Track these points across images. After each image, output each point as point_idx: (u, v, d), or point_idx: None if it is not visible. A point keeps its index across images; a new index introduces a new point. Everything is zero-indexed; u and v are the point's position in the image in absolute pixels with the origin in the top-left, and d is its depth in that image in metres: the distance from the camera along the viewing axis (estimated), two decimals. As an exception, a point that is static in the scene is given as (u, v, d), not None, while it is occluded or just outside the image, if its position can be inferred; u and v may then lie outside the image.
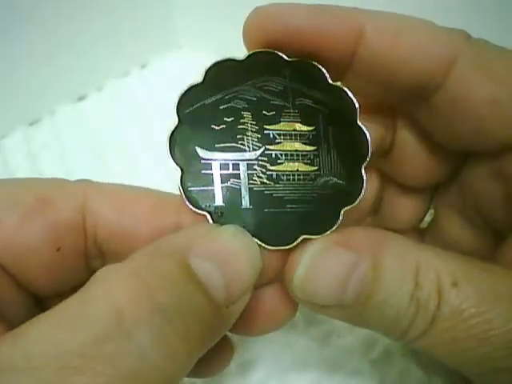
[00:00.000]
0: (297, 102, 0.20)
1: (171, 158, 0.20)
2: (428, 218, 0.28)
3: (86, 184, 0.21)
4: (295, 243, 0.20)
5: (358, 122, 0.21)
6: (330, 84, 0.21)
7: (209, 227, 0.20)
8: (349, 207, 0.21)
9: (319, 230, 0.20)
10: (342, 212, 0.21)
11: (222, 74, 0.20)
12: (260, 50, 0.20)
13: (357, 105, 0.21)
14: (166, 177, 0.40)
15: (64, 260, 0.20)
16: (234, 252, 0.19)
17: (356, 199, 0.21)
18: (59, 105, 0.46)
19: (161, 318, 0.16)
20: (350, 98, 0.21)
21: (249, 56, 0.20)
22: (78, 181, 0.22)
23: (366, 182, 0.21)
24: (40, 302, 0.22)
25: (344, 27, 0.19)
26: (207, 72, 0.20)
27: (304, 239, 0.20)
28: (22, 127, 0.44)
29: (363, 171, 0.21)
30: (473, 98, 0.19)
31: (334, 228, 0.21)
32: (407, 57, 0.19)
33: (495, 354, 0.17)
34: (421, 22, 0.20)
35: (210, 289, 0.17)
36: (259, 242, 0.20)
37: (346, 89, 0.21)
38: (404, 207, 0.27)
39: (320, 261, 0.20)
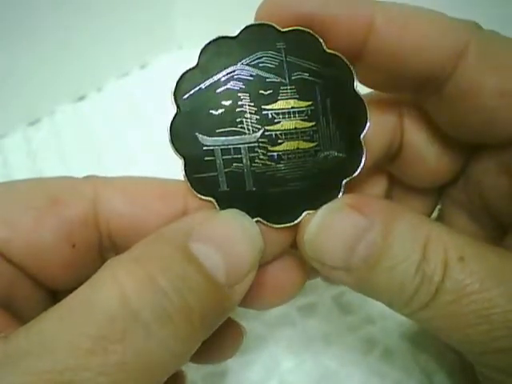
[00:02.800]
0: (293, 77, 0.20)
1: (173, 148, 0.20)
2: (434, 214, 0.28)
3: (94, 180, 0.22)
4: (299, 219, 0.21)
5: (355, 89, 0.21)
6: (326, 52, 0.20)
7: (208, 213, 0.20)
8: (349, 178, 0.21)
9: (322, 204, 0.21)
10: (343, 184, 0.21)
11: (215, 54, 0.20)
12: (253, 23, 0.20)
13: (353, 71, 0.21)
14: (166, 176, 0.40)
15: (79, 256, 0.21)
16: (233, 234, 0.19)
17: (356, 170, 0.21)
18: (59, 105, 0.46)
19: (162, 299, 0.16)
20: (346, 65, 0.21)
21: (241, 31, 0.20)
22: (86, 177, 0.22)
23: (366, 151, 0.21)
24: (57, 297, 0.22)
25: (355, 16, 0.20)
26: (201, 54, 0.20)
27: (307, 214, 0.21)
28: (22, 127, 0.45)
29: (362, 141, 0.21)
30: (483, 90, 0.19)
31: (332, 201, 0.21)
32: (417, 47, 0.20)
33: (495, 333, 0.17)
34: (431, 12, 0.20)
35: (210, 270, 0.18)
36: (265, 222, 0.21)
37: (341, 56, 0.20)
38: (412, 207, 0.27)
39: (332, 220, 0.20)
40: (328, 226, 0.20)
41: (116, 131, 0.45)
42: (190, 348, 0.18)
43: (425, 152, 0.24)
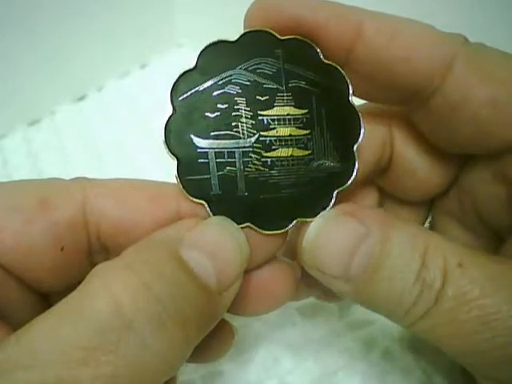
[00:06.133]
0: (290, 85, 0.20)
1: (167, 148, 0.20)
2: (426, 225, 0.28)
3: (84, 182, 0.21)
4: (289, 226, 0.21)
5: (350, 100, 0.21)
6: (323, 62, 0.20)
7: (196, 220, 0.20)
8: (341, 188, 0.21)
9: (313, 213, 0.21)
10: (335, 194, 0.21)
11: (214, 57, 0.20)
12: (252, 29, 0.20)
13: (349, 83, 0.21)
14: (165, 176, 0.40)
15: (68, 258, 0.21)
16: (222, 242, 0.19)
17: (348, 180, 0.21)
18: (59, 105, 0.46)
19: (158, 307, 0.16)
20: (342, 76, 0.21)
21: (241, 36, 0.20)
22: (75, 179, 0.22)
23: (358, 162, 0.21)
24: (46, 299, 0.22)
25: (343, 23, 0.20)
26: (200, 57, 0.20)
27: (298, 222, 0.21)
28: (22, 127, 0.45)
29: (356, 152, 0.21)
30: (472, 100, 0.19)
31: (327, 210, 0.21)
32: (404, 57, 0.20)
33: (497, 340, 0.17)
34: (419, 24, 0.20)
35: (202, 277, 0.18)
36: (255, 227, 0.20)
37: (338, 67, 0.21)
38: (403, 219, 0.27)
39: (330, 228, 0.20)
40: (326, 233, 0.20)
41: (116, 131, 0.45)
42: (184, 356, 0.17)
43: (415, 165, 0.24)
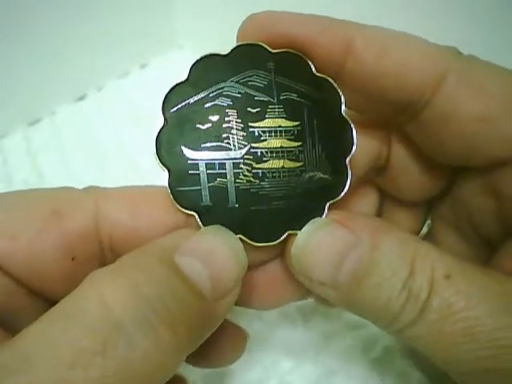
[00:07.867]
0: (281, 97, 0.20)
1: (158, 160, 0.20)
2: (425, 230, 0.29)
3: (96, 191, 0.21)
4: (281, 239, 0.21)
5: (343, 113, 0.21)
6: (315, 75, 0.20)
7: (192, 230, 0.20)
8: (333, 201, 0.21)
9: (304, 225, 0.21)
10: (327, 206, 0.21)
11: (206, 70, 0.20)
12: (244, 42, 0.20)
13: (342, 95, 0.21)
14: (165, 177, 0.40)
15: (79, 268, 0.21)
16: (218, 249, 0.19)
17: (341, 193, 0.21)
18: (59, 105, 0.46)
19: (146, 307, 0.16)
20: (334, 88, 0.21)
21: (233, 50, 0.20)
22: (87, 188, 0.22)
23: (351, 174, 0.21)
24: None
25: (334, 38, 0.20)
26: (191, 69, 0.20)
27: (289, 235, 0.21)
28: (22, 127, 0.45)
29: (348, 164, 0.21)
30: (462, 115, 0.19)
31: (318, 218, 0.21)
32: (395, 72, 0.20)
33: (480, 352, 0.17)
34: (411, 37, 0.20)
35: (195, 282, 0.18)
36: (246, 240, 0.20)
37: (330, 80, 0.21)
38: (402, 220, 0.27)
39: (319, 235, 0.20)
40: (315, 240, 0.20)
41: (116, 131, 0.45)
42: (175, 360, 0.17)
43: (409, 165, 0.24)
